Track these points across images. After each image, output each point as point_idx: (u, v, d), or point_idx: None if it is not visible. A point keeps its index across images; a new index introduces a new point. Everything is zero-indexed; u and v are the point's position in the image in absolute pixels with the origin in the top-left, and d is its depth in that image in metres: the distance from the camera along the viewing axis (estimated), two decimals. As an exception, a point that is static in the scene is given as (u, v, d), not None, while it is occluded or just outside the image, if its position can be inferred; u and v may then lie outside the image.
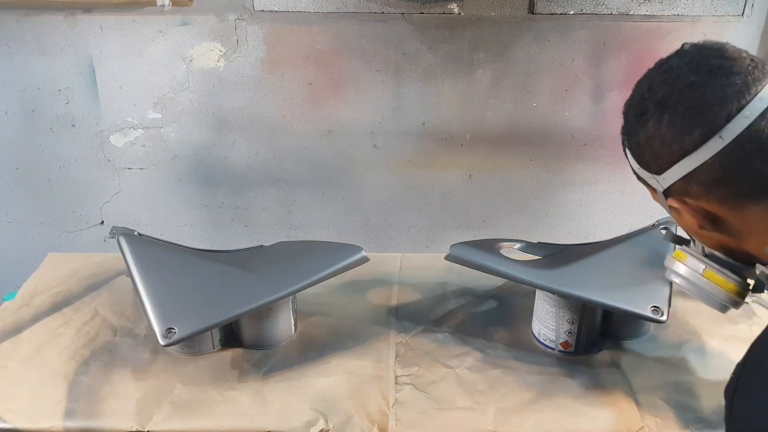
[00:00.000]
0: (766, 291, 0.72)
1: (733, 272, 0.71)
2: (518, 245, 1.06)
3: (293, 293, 0.88)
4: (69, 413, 0.79)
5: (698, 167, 0.61)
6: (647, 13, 1.56)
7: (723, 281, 0.71)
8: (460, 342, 0.94)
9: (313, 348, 0.93)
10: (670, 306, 0.85)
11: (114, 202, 1.81)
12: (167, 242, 1.02)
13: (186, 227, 1.85)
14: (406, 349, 0.92)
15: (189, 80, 1.64)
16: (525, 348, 0.93)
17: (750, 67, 0.60)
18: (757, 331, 0.59)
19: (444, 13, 1.57)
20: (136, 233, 1.01)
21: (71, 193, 1.80)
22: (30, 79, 1.65)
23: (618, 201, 1.77)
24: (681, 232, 0.81)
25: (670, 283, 0.86)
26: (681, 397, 0.83)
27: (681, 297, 1.06)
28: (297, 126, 1.71)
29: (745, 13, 1.57)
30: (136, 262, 0.92)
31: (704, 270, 0.72)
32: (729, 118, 0.59)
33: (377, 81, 1.65)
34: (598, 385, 0.85)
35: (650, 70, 0.67)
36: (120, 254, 0.96)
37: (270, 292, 0.86)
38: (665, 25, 1.58)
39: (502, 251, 0.99)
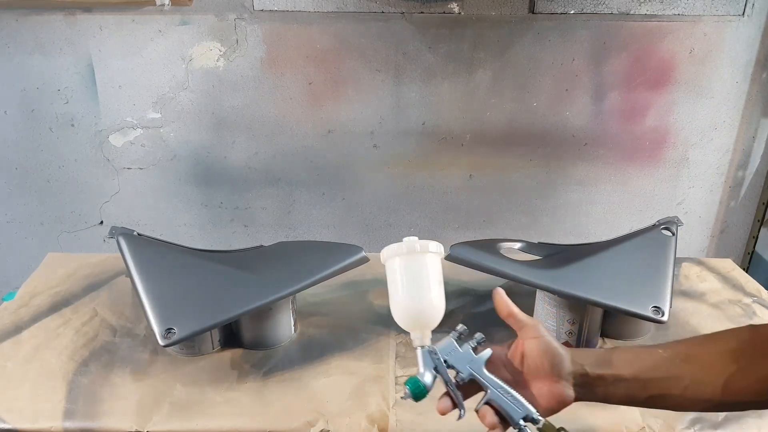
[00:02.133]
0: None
1: None
2: (518, 245, 1.06)
3: (293, 293, 0.88)
4: (68, 414, 0.78)
5: None
6: (647, 13, 1.56)
7: None
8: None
9: (313, 348, 0.93)
10: (670, 306, 0.84)
11: (113, 202, 1.81)
12: (167, 242, 1.02)
13: (186, 227, 1.84)
14: (406, 349, 0.92)
15: (188, 80, 1.64)
16: (525, 348, 0.93)
17: None
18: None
19: (444, 12, 1.56)
20: (135, 233, 1.00)
21: (71, 193, 1.80)
22: (29, 79, 1.65)
23: (618, 201, 1.77)
24: (681, 232, 0.80)
25: (671, 283, 0.86)
26: (681, 398, 0.82)
27: (681, 297, 1.06)
28: (297, 126, 1.71)
29: (745, 13, 1.57)
30: (136, 263, 0.92)
31: None
32: None
33: (377, 81, 1.65)
34: (598, 385, 0.85)
35: None
36: (119, 254, 0.96)
37: (270, 292, 0.86)
38: (665, 24, 1.57)
39: (502, 251, 0.99)
